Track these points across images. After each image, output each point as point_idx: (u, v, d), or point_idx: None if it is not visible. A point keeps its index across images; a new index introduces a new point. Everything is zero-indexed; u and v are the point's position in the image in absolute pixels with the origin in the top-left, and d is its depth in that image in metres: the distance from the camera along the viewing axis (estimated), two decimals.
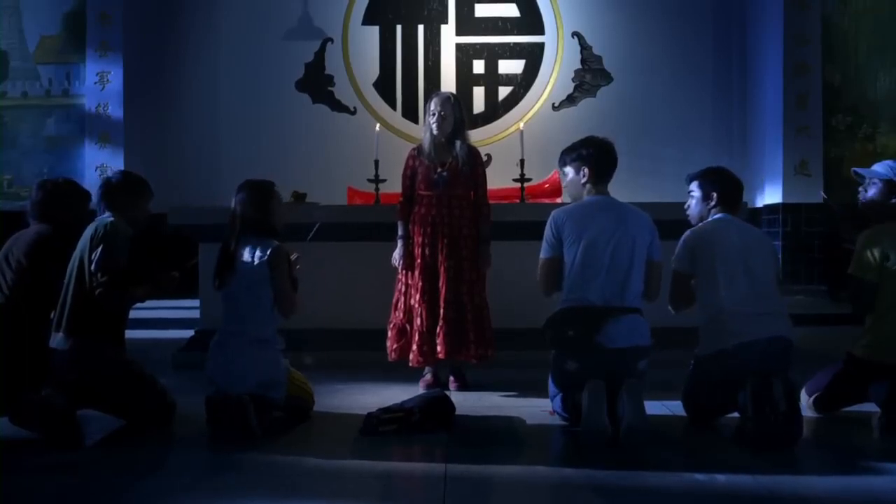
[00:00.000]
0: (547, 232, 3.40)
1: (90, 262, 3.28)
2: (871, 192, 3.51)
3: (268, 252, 3.38)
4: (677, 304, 3.49)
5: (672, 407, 3.59)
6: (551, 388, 3.43)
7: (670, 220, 3.86)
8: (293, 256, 3.55)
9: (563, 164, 3.53)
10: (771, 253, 3.48)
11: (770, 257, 3.46)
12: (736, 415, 3.22)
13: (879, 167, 3.53)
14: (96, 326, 3.32)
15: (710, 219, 3.48)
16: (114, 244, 3.30)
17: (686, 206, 3.60)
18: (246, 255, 3.40)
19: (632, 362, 3.24)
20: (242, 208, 3.48)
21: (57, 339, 3.33)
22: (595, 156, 3.43)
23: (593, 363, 3.18)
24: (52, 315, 3.46)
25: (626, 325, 3.21)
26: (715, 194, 3.48)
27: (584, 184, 3.45)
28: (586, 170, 3.43)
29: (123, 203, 3.50)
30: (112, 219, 3.39)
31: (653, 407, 3.51)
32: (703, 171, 3.57)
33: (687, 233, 3.47)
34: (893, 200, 3.44)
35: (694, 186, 3.55)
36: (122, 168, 7.56)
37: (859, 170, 3.63)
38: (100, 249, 3.27)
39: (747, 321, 3.23)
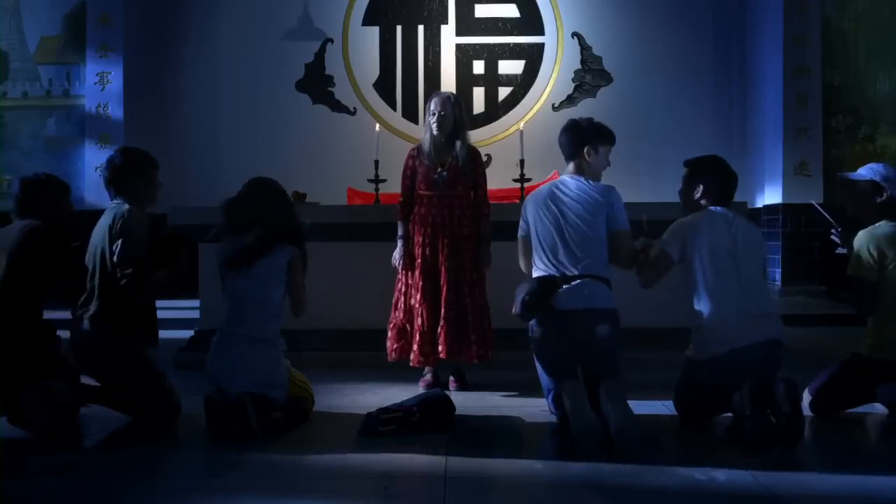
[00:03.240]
0: (521, 213, 3.69)
1: (111, 253, 3.30)
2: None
3: (287, 254, 3.40)
4: (649, 279, 3.48)
5: (672, 407, 3.59)
6: (543, 382, 3.46)
7: (670, 221, 3.85)
8: None
9: None
10: (759, 245, 3.46)
11: (758, 250, 3.44)
12: (729, 414, 3.24)
13: (863, 170, 3.58)
14: (125, 317, 3.37)
15: (704, 210, 3.47)
16: (132, 234, 3.32)
17: (679, 191, 3.63)
18: (263, 256, 3.39)
19: (588, 325, 3.32)
20: (259, 207, 3.45)
21: (82, 326, 3.37)
22: (561, 140, 3.65)
23: (553, 327, 3.36)
24: (42, 312, 3.44)
25: (579, 287, 3.35)
26: (701, 186, 3.49)
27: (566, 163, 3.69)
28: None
29: (133, 183, 3.48)
30: (127, 206, 3.38)
31: (653, 407, 3.52)
32: (697, 161, 3.59)
33: (677, 221, 3.49)
34: (878, 200, 3.49)
35: (686, 173, 3.58)
36: None
37: (845, 174, 3.69)
38: (120, 242, 3.29)
39: (741, 326, 3.23)
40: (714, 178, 3.50)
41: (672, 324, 3.65)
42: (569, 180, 3.57)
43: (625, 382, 3.22)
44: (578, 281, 3.36)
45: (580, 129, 3.61)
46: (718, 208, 3.45)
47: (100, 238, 3.38)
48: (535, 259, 3.53)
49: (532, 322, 3.45)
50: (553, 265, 3.43)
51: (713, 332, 3.27)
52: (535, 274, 3.51)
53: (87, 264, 3.44)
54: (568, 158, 3.63)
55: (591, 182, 3.55)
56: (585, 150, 3.56)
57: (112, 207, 3.43)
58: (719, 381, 3.22)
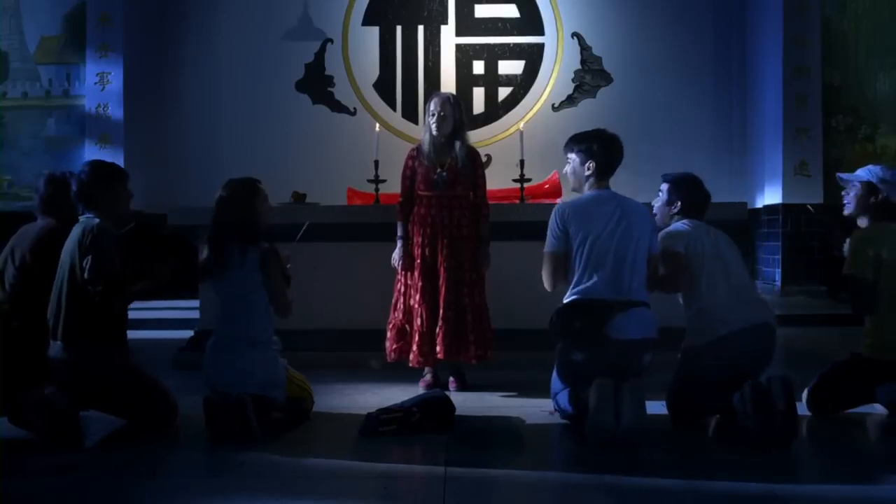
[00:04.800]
0: (552, 225, 3.40)
1: (82, 269, 3.21)
2: (852, 193, 3.61)
3: (258, 255, 3.37)
4: (670, 285, 3.46)
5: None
6: (554, 384, 3.45)
7: None
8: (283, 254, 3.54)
9: (569, 150, 3.54)
10: (737, 251, 3.57)
11: (738, 255, 3.55)
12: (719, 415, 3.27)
13: (861, 171, 3.63)
14: (96, 332, 3.28)
15: (680, 221, 3.55)
16: (103, 249, 3.21)
17: (652, 203, 3.68)
18: (235, 259, 3.38)
19: (638, 354, 3.26)
20: (227, 208, 3.44)
21: (55, 348, 3.27)
22: (603, 152, 3.46)
23: (600, 354, 3.20)
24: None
25: (635, 317, 3.23)
26: (679, 203, 3.59)
27: (588, 177, 3.47)
28: (592, 164, 3.45)
29: (102, 199, 3.38)
30: (97, 221, 3.29)
31: (653, 407, 3.51)
32: (676, 178, 3.65)
33: (665, 231, 3.52)
34: (872, 201, 3.53)
35: (663, 188, 3.65)
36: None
37: (843, 175, 3.73)
38: (90, 258, 3.18)
39: (733, 310, 3.32)
40: (693, 196, 3.60)
41: (672, 324, 3.64)
42: (612, 195, 3.43)
43: (645, 383, 3.22)
44: (635, 309, 3.24)
45: (622, 150, 3.51)
46: (696, 221, 3.56)
47: (69, 253, 3.28)
48: (582, 277, 3.29)
49: (571, 346, 3.30)
50: (606, 287, 3.24)
51: (712, 315, 3.34)
52: (576, 294, 3.30)
53: (57, 279, 3.31)
54: (603, 174, 3.46)
55: (632, 199, 3.46)
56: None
57: (81, 222, 3.34)
58: (718, 369, 3.29)
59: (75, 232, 3.32)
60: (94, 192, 3.37)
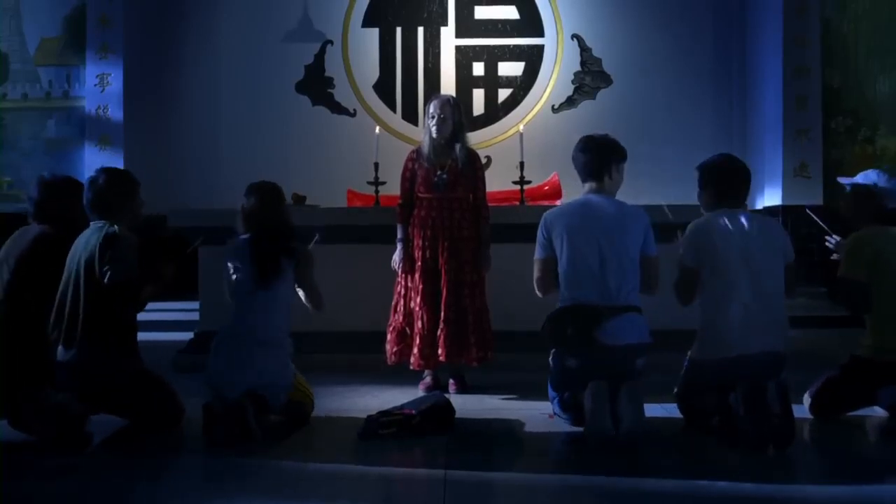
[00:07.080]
0: (539, 233, 3.44)
1: (101, 275, 3.22)
2: (850, 197, 3.64)
3: (293, 257, 3.46)
4: (685, 298, 3.43)
5: (671, 409, 3.58)
6: (551, 389, 3.44)
7: (670, 223, 3.85)
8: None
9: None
10: (776, 245, 3.36)
11: (775, 250, 3.35)
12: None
13: (860, 176, 3.65)
14: (109, 337, 3.30)
15: (710, 214, 3.44)
16: (125, 256, 3.25)
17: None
18: (281, 265, 3.45)
19: (630, 360, 3.26)
20: (263, 210, 3.52)
21: (69, 354, 3.28)
22: (582, 159, 3.47)
23: (592, 360, 3.21)
24: (47, 318, 3.42)
25: (626, 322, 3.23)
26: (707, 192, 3.47)
27: (582, 181, 3.50)
28: (577, 171, 3.50)
29: (116, 206, 3.41)
30: (116, 228, 3.31)
31: (652, 409, 3.52)
32: (704, 164, 3.53)
33: (690, 226, 3.43)
34: (871, 205, 3.56)
35: (697, 177, 3.55)
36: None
37: (843, 179, 3.77)
38: (112, 265, 3.20)
39: (748, 333, 3.21)
40: (716, 180, 3.46)
41: (672, 327, 3.64)
42: (599, 200, 3.41)
43: (644, 386, 3.21)
44: (624, 314, 3.23)
45: (606, 147, 3.46)
46: (727, 211, 3.38)
47: (85, 258, 3.27)
48: (568, 283, 3.31)
49: (564, 352, 3.31)
50: (593, 292, 3.25)
51: (721, 335, 3.26)
52: (565, 300, 3.31)
53: (66, 284, 3.32)
54: (589, 177, 3.45)
55: (623, 203, 3.43)
56: (612, 169, 3.45)
57: (99, 227, 3.35)
58: (720, 382, 3.25)
59: (91, 237, 3.31)
60: (108, 200, 3.40)
